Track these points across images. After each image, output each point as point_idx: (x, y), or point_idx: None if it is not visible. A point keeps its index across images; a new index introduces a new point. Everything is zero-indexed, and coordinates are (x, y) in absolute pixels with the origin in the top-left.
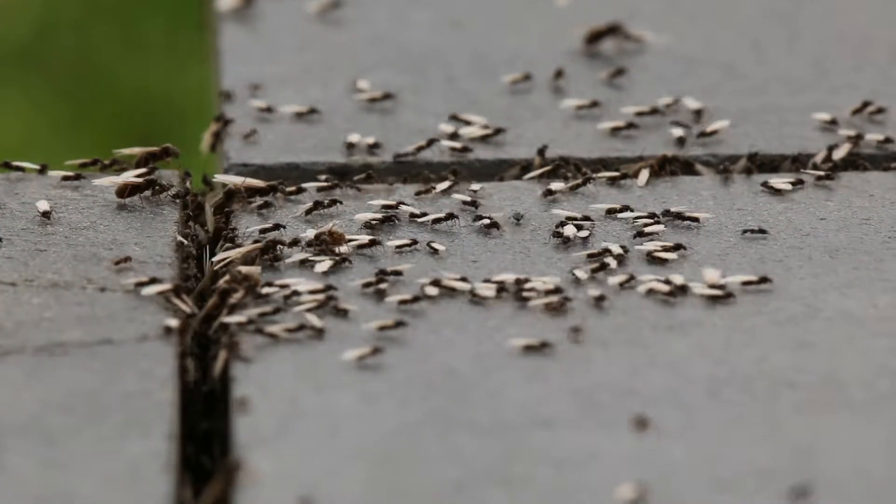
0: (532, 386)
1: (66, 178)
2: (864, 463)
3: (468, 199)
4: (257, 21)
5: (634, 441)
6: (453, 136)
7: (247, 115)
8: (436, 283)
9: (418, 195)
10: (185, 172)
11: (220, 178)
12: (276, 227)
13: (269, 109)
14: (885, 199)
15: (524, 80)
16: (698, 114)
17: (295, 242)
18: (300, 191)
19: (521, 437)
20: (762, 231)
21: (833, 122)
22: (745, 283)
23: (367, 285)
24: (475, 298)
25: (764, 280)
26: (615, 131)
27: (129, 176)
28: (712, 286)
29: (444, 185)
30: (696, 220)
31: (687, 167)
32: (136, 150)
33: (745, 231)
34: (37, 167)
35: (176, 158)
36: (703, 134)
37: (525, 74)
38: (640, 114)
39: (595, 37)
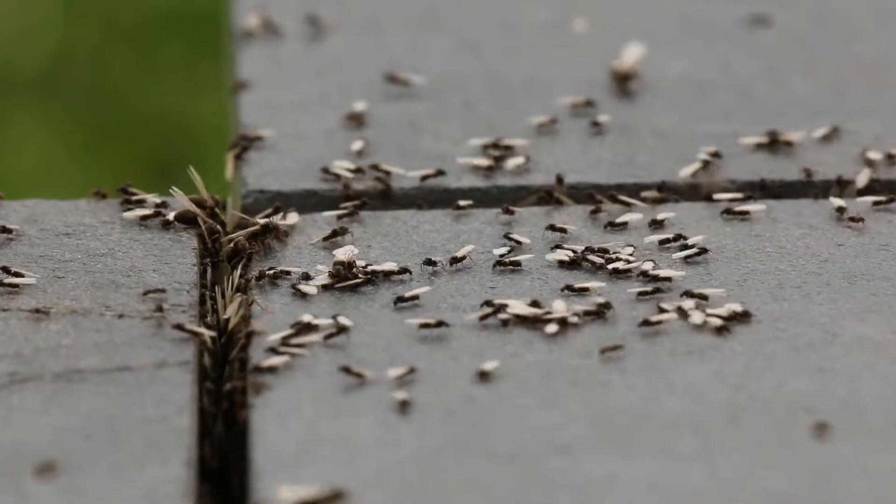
0: (550, 412)
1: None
2: (882, 488)
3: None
4: (275, 47)
5: (653, 466)
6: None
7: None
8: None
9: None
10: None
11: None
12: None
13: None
14: None
15: (543, 108)
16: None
17: (307, 277)
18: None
19: (539, 463)
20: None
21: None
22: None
23: (400, 300)
24: (493, 324)
25: (747, 314)
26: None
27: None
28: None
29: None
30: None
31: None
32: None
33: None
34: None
35: (217, 207)
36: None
37: (545, 107)
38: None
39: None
